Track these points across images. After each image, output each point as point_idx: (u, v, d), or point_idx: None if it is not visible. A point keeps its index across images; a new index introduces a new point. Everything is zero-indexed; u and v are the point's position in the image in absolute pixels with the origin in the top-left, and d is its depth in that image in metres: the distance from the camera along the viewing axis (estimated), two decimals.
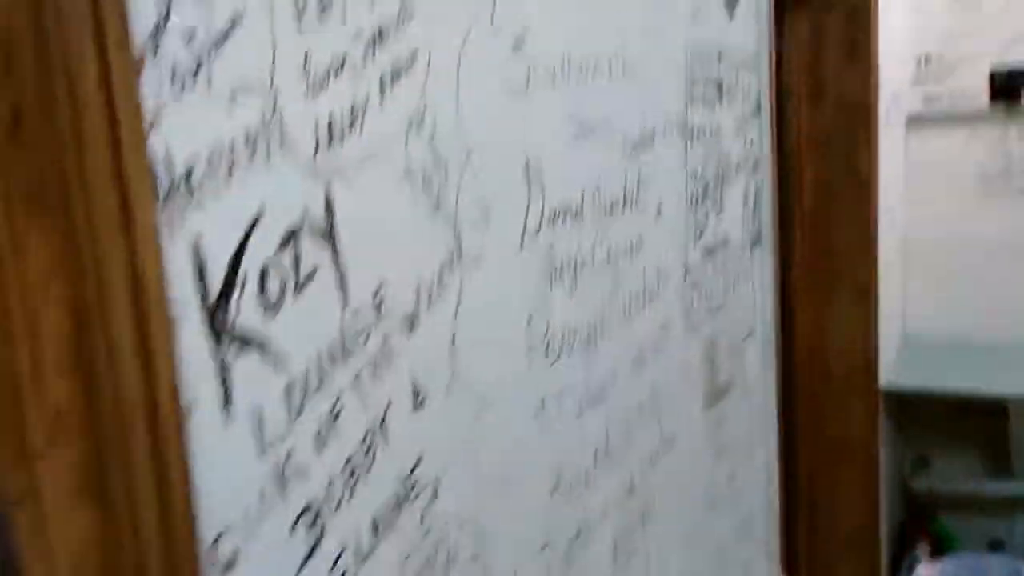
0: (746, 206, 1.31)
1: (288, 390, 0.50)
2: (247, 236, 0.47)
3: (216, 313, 0.45)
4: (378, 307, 0.57)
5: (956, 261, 2.77)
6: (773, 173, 1.46)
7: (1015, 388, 2.34)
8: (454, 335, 0.65)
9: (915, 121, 2.75)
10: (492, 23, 0.68)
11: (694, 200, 1.11)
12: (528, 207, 0.74)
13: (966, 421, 2.70)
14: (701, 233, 1.14)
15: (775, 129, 2.18)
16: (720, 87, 1.19)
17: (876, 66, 2.18)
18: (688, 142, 1.08)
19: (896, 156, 2.61)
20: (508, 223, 0.71)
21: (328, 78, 0.52)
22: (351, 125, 0.54)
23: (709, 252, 1.17)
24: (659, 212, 1.01)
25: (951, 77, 2.71)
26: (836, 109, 2.18)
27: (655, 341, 1.01)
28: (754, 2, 1.31)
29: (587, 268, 0.84)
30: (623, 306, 0.93)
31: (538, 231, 0.75)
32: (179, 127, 0.43)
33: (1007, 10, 2.59)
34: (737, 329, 1.31)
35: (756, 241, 1.37)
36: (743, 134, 1.29)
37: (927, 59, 2.72)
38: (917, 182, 2.77)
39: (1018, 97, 2.60)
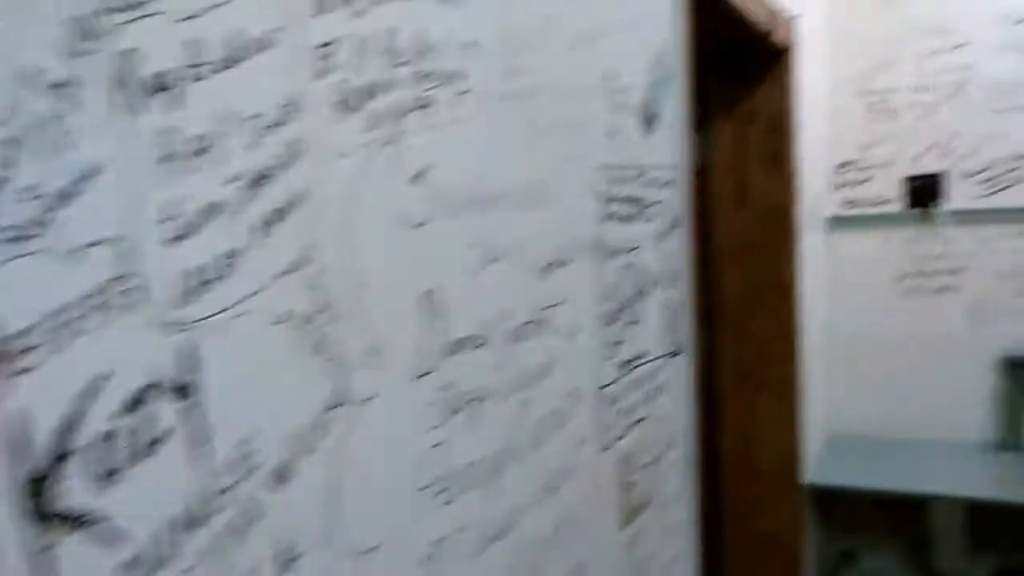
0: (665, 318, 1.31)
1: (127, 569, 0.45)
2: (86, 401, 0.43)
3: (39, 492, 0.40)
4: (244, 463, 0.53)
5: (878, 359, 2.84)
6: (694, 282, 1.47)
7: (933, 486, 2.38)
8: (334, 484, 0.61)
9: (836, 224, 2.85)
10: (390, 158, 0.67)
11: (610, 317, 1.11)
12: (426, 341, 0.71)
13: (890, 516, 2.72)
14: (617, 349, 1.13)
15: (702, 234, 2.23)
16: (638, 204, 1.20)
17: (796, 173, 2.27)
18: (604, 260, 1.08)
19: (818, 257, 2.69)
20: (402, 359, 0.69)
21: (198, 225, 0.50)
22: (222, 272, 0.51)
23: (626, 368, 1.16)
24: (572, 332, 1.00)
25: (869, 183, 2.83)
26: (759, 214, 2.25)
27: (566, 465, 0.99)
28: (673, 118, 1.34)
29: (492, 398, 0.82)
30: (531, 433, 0.90)
31: (437, 364, 0.73)
32: (11, 292, 0.39)
33: (921, 121, 2.74)
34: (656, 442, 1.29)
35: (676, 351, 1.37)
36: (662, 247, 1.30)
37: (846, 166, 2.85)
38: (839, 282, 2.85)
39: (931, 203, 2.73)
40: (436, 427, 0.73)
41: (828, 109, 2.81)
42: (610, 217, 1.11)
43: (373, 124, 0.65)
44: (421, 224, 0.71)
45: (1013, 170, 2.63)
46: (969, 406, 2.71)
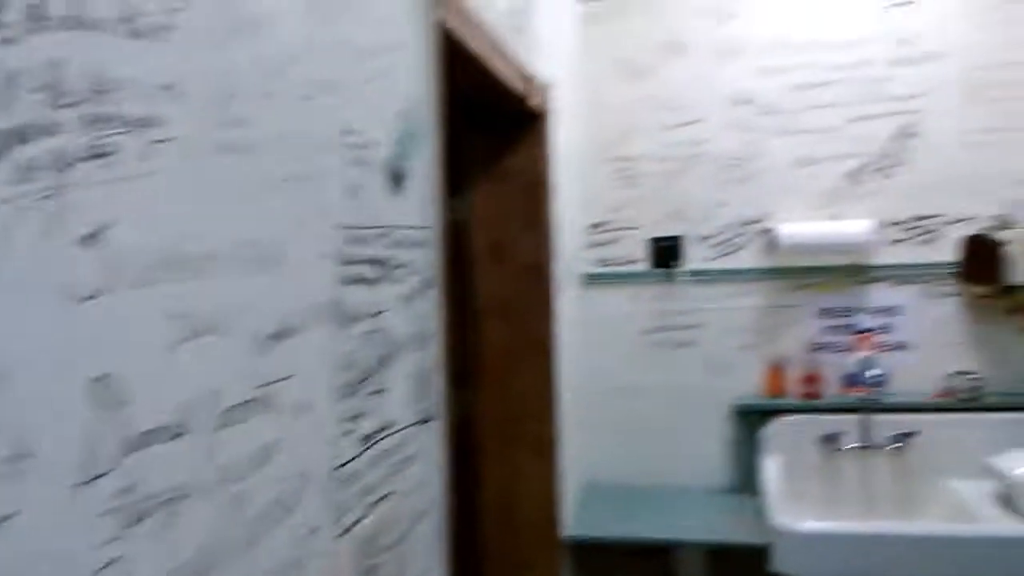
0: (415, 384, 1.25)
1: None
2: None
3: None
4: None
5: (629, 411, 2.98)
6: (451, 342, 1.43)
7: (677, 532, 2.51)
8: None
9: (590, 281, 2.98)
10: (49, 216, 0.55)
11: (349, 388, 1.02)
12: (98, 437, 0.59)
13: (642, 563, 2.83)
14: (358, 423, 1.05)
15: (461, 292, 2.21)
16: (384, 265, 1.14)
17: (552, 232, 2.34)
18: (342, 327, 1.00)
19: (574, 313, 2.79)
20: (61, 463, 0.55)
21: None
22: None
23: (368, 442, 1.08)
24: (301, 409, 0.90)
25: (619, 243, 3.00)
26: (518, 271, 2.28)
27: (293, 559, 0.88)
28: (424, 176, 1.30)
29: (193, 495, 0.70)
30: (247, 529, 0.79)
31: (113, 465, 0.60)
32: None
33: (662, 188, 2.95)
34: (404, 518, 1.21)
35: (427, 418, 1.31)
36: (411, 310, 1.24)
37: (599, 226, 3.00)
38: (594, 338, 2.97)
39: (672, 263, 2.94)
40: (111, 541, 0.60)
41: (582, 172, 2.96)
42: (351, 280, 1.03)
43: (24, 174, 0.53)
44: (94, 295, 0.58)
45: (738, 235, 2.91)
46: (708, 453, 2.92)
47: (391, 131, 1.17)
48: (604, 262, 3.00)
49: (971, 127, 2.73)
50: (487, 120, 2.19)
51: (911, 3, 2.76)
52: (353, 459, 1.03)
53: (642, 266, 2.98)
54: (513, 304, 2.32)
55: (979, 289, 2.69)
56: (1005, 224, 2.68)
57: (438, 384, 1.36)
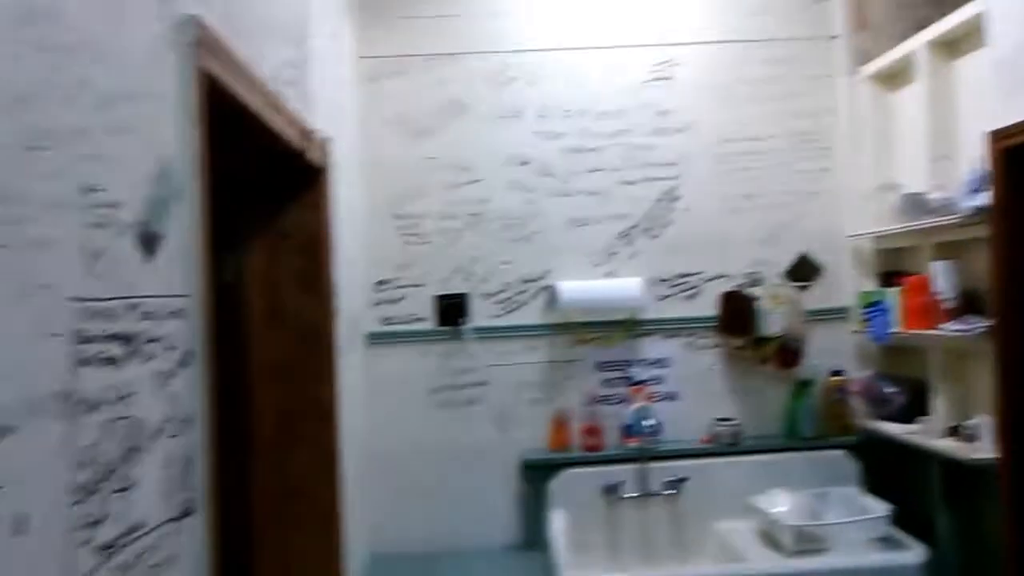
0: (172, 474, 1.10)
1: None
2: None
3: None
4: None
5: (416, 473, 2.90)
6: (218, 418, 1.28)
7: None
8: None
9: (374, 340, 2.89)
10: None
11: (85, 490, 0.86)
12: None
13: None
14: (96, 530, 0.89)
15: (232, 359, 2.04)
16: (132, 341, 0.99)
17: (332, 293, 2.23)
18: (75, 418, 0.85)
19: (357, 375, 2.67)
20: None
21: None
22: None
23: (110, 551, 0.92)
24: (15, 526, 0.74)
25: (404, 301, 2.94)
26: (295, 335, 2.14)
27: None
28: (184, 239, 1.17)
29: None
30: None
31: None
32: None
33: (447, 246, 2.95)
34: None
35: (187, 512, 1.15)
36: (167, 389, 1.09)
37: (383, 284, 2.93)
38: (378, 399, 2.87)
39: (458, 321, 2.93)
40: None
41: (365, 230, 2.89)
42: (88, 361, 0.88)
43: None
44: None
45: (521, 292, 2.96)
46: (499, 511, 2.90)
47: (143, 190, 1.03)
48: (389, 320, 2.93)
49: (723, 192, 2.99)
50: (262, 175, 2.06)
51: (667, 79, 3.00)
52: (94, 574, 0.87)
53: (428, 324, 2.94)
54: (291, 368, 2.17)
55: (735, 341, 2.93)
56: (755, 281, 2.95)
57: (203, 470, 1.21)
